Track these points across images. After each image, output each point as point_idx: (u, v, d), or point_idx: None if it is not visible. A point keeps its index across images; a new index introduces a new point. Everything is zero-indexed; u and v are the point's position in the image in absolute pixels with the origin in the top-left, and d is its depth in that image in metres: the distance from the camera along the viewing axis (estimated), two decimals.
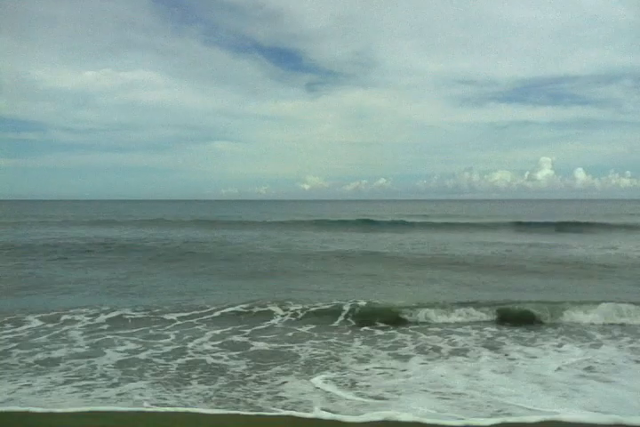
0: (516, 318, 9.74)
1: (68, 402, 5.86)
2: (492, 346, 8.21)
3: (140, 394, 6.13)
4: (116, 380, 6.64)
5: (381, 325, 9.54)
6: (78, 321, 9.60)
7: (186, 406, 5.76)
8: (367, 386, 6.41)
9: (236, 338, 8.74)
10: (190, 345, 8.25)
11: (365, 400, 5.93)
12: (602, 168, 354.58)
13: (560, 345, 8.27)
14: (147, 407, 5.70)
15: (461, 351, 7.95)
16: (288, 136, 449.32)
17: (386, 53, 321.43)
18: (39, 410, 5.61)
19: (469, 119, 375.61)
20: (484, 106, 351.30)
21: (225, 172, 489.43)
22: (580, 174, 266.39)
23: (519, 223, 38.85)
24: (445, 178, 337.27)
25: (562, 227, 35.44)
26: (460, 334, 8.99)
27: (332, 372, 6.97)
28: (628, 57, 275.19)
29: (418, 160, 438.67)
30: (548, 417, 5.34)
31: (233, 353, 7.85)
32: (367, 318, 9.84)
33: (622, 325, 9.53)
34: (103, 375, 6.80)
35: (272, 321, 9.83)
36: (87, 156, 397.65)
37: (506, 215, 54.01)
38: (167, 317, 9.96)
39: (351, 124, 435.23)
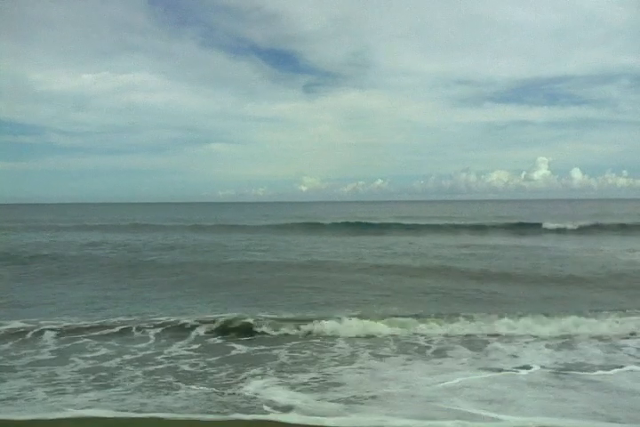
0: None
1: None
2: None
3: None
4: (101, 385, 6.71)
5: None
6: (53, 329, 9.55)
7: (170, 411, 5.76)
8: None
9: (214, 343, 8.82)
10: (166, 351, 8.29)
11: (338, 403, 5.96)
12: (599, 168, 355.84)
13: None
14: (130, 413, 5.71)
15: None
16: (285, 137, 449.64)
17: (382, 54, 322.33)
18: (21, 418, 5.60)
19: (466, 119, 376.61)
20: (480, 106, 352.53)
21: (222, 173, 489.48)
22: (576, 174, 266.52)
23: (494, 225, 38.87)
24: (442, 178, 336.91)
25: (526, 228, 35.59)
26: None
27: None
28: (624, 57, 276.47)
29: (415, 161, 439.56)
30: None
31: (211, 359, 7.88)
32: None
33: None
34: (75, 382, 6.83)
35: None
36: (85, 158, 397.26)
37: (491, 216, 53.75)
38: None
39: (348, 126, 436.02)
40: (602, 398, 6.11)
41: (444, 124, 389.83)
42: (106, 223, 47.48)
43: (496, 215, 56.01)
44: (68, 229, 39.96)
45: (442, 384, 6.59)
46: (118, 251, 23.48)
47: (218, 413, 5.70)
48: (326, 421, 5.48)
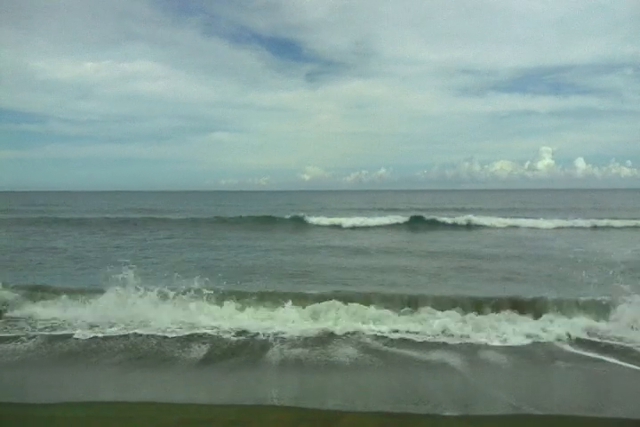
0: None
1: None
2: None
3: None
4: None
5: None
6: None
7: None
8: None
9: None
10: None
11: None
12: (602, 158, 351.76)
13: None
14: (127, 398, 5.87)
15: None
16: (288, 126, 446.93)
17: (386, 43, 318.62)
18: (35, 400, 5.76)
19: (470, 109, 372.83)
20: (484, 95, 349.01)
21: (225, 162, 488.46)
22: (580, 164, 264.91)
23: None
24: (446, 168, 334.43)
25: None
26: None
27: None
28: (628, 46, 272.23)
29: (418, 150, 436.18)
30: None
31: None
32: None
33: None
34: None
35: None
36: (87, 147, 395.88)
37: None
38: None
39: (351, 115, 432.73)
40: None
41: (447, 114, 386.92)
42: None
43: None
44: None
45: None
46: None
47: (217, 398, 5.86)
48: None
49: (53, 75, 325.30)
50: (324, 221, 32.50)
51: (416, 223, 31.54)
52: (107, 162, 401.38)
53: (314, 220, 33.02)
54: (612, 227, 28.52)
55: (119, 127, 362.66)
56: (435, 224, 31.15)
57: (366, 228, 29.89)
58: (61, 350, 7.62)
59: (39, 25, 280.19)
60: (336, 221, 31.86)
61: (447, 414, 5.38)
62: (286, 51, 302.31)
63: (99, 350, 7.58)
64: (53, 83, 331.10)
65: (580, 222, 29.63)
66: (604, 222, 29.53)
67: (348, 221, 31.13)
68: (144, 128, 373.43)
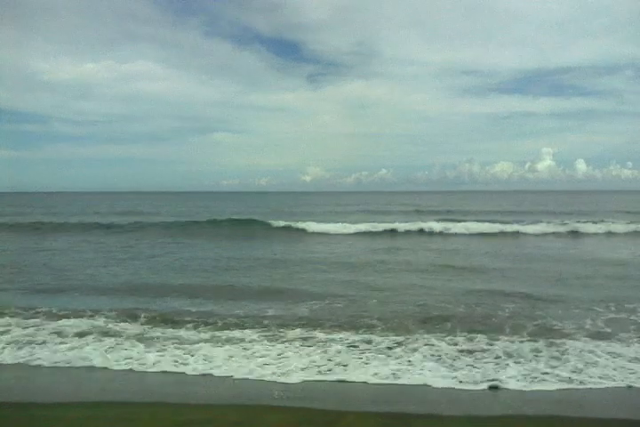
0: None
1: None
2: None
3: None
4: None
5: None
6: None
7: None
8: None
9: None
10: None
11: None
12: (603, 159, 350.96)
13: None
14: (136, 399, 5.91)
15: None
16: (289, 127, 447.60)
17: (387, 44, 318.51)
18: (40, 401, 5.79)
19: (470, 110, 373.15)
20: (485, 97, 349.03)
21: (226, 163, 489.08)
22: (581, 165, 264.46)
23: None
24: (446, 169, 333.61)
25: None
26: None
27: None
28: (629, 47, 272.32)
29: (419, 151, 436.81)
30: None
31: None
32: None
33: None
34: None
35: None
36: (88, 147, 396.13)
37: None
38: None
39: (352, 115, 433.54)
40: None
41: (448, 115, 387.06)
42: None
43: None
44: None
45: None
46: None
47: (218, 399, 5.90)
48: None
49: (54, 75, 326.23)
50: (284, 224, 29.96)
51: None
52: (107, 162, 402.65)
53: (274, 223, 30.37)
54: None
55: (120, 128, 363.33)
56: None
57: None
58: None
59: (40, 25, 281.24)
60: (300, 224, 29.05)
61: (447, 414, 5.42)
62: (288, 51, 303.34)
63: None
64: (54, 83, 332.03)
65: None
66: None
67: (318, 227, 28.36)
68: (145, 129, 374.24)
